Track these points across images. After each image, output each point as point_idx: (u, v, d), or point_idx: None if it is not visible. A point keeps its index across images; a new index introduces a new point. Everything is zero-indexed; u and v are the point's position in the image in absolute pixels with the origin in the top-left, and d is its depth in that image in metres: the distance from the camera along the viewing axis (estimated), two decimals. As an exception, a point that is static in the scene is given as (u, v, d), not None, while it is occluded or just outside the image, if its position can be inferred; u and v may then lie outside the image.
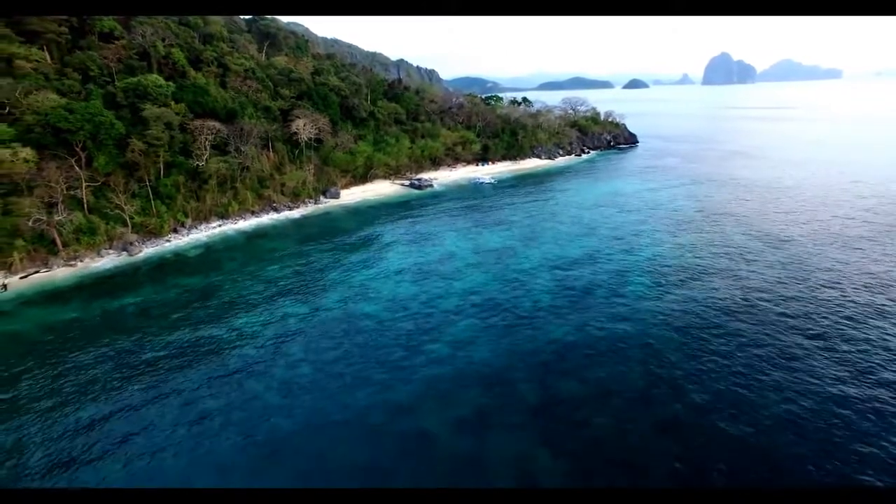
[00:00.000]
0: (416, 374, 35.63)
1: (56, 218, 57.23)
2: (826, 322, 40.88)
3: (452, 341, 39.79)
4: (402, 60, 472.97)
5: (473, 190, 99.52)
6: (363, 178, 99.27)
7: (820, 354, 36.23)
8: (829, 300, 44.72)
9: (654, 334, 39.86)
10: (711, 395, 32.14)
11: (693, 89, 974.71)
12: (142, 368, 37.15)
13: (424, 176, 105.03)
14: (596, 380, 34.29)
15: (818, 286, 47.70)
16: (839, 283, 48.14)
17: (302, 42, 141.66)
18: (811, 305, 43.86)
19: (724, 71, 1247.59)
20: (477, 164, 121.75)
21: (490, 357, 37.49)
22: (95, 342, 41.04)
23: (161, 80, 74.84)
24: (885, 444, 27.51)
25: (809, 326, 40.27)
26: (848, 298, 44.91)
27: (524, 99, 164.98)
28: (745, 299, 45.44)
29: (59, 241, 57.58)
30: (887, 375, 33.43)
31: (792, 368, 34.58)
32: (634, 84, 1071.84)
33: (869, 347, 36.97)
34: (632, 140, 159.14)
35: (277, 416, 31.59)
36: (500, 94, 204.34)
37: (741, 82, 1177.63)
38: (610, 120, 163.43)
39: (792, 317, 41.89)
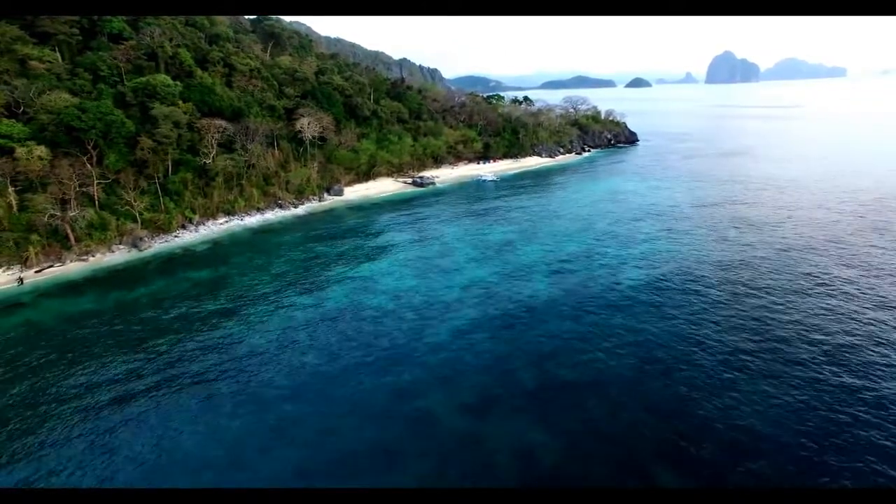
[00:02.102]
0: (419, 360, 37.28)
1: (69, 214, 59.13)
2: (814, 314, 42.33)
3: (453, 330, 41.42)
4: (404, 59, 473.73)
5: (475, 187, 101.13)
6: (366, 175, 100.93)
7: (808, 345, 37.72)
8: (814, 293, 46.18)
9: (648, 325, 41.39)
10: (700, 381, 33.66)
11: (696, 88, 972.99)
12: (155, 354, 38.92)
13: (427, 174, 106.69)
14: (591, 367, 35.87)
15: (807, 280, 49.14)
16: (827, 278, 49.59)
17: (306, 42, 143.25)
18: (800, 298, 45.31)
19: (728, 69, 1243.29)
20: (479, 163, 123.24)
21: (489, 345, 39.12)
22: (110, 330, 42.88)
23: (169, 80, 76.71)
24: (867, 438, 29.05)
25: (800, 319, 41.73)
26: (833, 291, 46.35)
27: (525, 98, 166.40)
28: (737, 292, 46.91)
29: (72, 237, 59.44)
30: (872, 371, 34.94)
31: (779, 358, 36.08)
32: (637, 83, 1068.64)
33: (859, 342, 38.45)
34: (632, 138, 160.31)
35: (287, 398, 33.29)
36: (503, 93, 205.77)
37: (744, 81, 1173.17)
38: (611, 119, 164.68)
39: (782, 309, 43.36)
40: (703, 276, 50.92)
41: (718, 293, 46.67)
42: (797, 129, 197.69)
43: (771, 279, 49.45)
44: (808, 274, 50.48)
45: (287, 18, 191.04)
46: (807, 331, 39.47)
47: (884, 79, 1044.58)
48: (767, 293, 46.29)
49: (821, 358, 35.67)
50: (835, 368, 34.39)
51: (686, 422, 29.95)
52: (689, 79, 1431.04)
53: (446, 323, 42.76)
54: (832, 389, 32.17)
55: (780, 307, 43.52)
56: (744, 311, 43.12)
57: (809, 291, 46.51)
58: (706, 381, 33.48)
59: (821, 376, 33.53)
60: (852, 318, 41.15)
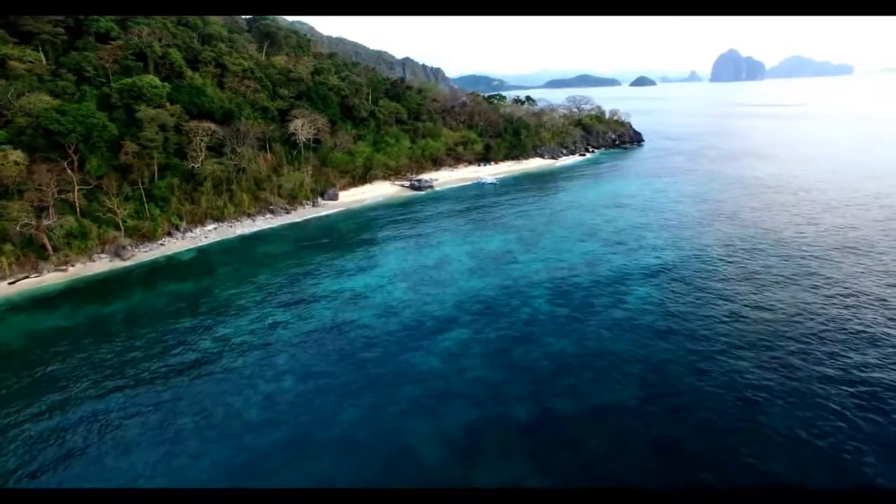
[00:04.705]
0: (404, 389, 34.26)
1: (45, 222, 56.39)
2: (838, 339, 39.04)
3: (444, 354, 38.34)
4: (407, 59, 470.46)
5: (474, 191, 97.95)
6: (362, 178, 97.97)
7: (829, 373, 34.47)
8: (837, 312, 42.85)
9: (654, 347, 38.21)
10: (713, 414, 30.53)
11: (701, 86, 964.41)
12: (122, 380, 36.04)
13: (425, 176, 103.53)
14: (592, 397, 32.75)
15: (827, 296, 45.79)
16: (835, 288, 46.25)
17: (303, 41, 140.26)
18: (822, 320, 41.95)
19: (733, 67, 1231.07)
20: (479, 165, 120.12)
21: (481, 372, 35.98)
22: (79, 351, 40.01)
23: (156, 81, 73.93)
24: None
25: (819, 342, 38.46)
26: (851, 308, 43.01)
27: (528, 97, 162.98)
28: (750, 309, 43.61)
29: (48, 246, 56.70)
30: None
31: (800, 389, 32.85)
32: (641, 81, 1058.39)
33: (875, 368, 35.19)
34: (637, 139, 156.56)
35: (258, 433, 30.33)
36: (506, 93, 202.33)
37: (750, 79, 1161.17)
38: (615, 118, 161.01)
39: (802, 330, 40.06)
40: (714, 291, 47.65)
41: (732, 311, 43.37)
42: (806, 128, 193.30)
43: (793, 295, 46.08)
44: (829, 288, 47.09)
45: (289, 18, 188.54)
46: (833, 351, 36.19)
47: (891, 76, 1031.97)
48: (789, 311, 42.93)
49: (855, 384, 32.42)
50: (869, 399, 31.13)
51: (696, 463, 26.84)
52: (693, 77, 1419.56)
53: (437, 345, 39.69)
54: (867, 424, 28.95)
55: (805, 327, 40.20)
56: (764, 331, 39.77)
57: (832, 307, 43.15)
58: (720, 415, 30.34)
59: (854, 406, 30.28)
60: (882, 338, 37.83)
